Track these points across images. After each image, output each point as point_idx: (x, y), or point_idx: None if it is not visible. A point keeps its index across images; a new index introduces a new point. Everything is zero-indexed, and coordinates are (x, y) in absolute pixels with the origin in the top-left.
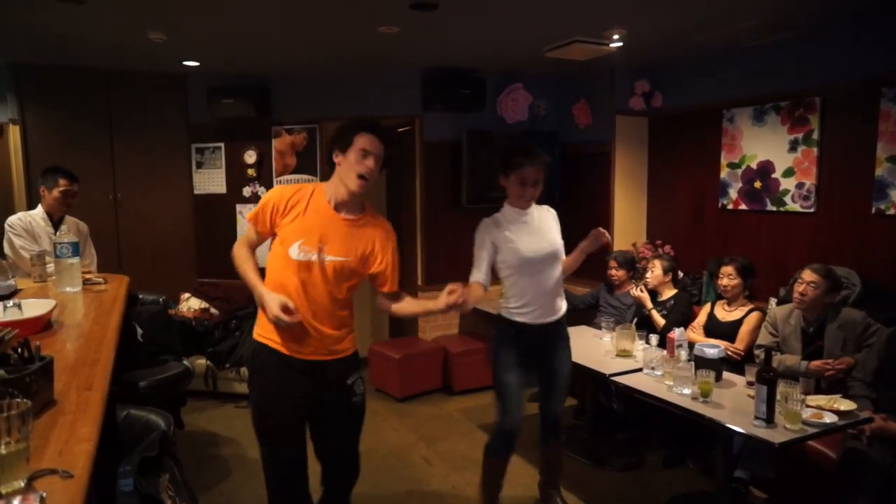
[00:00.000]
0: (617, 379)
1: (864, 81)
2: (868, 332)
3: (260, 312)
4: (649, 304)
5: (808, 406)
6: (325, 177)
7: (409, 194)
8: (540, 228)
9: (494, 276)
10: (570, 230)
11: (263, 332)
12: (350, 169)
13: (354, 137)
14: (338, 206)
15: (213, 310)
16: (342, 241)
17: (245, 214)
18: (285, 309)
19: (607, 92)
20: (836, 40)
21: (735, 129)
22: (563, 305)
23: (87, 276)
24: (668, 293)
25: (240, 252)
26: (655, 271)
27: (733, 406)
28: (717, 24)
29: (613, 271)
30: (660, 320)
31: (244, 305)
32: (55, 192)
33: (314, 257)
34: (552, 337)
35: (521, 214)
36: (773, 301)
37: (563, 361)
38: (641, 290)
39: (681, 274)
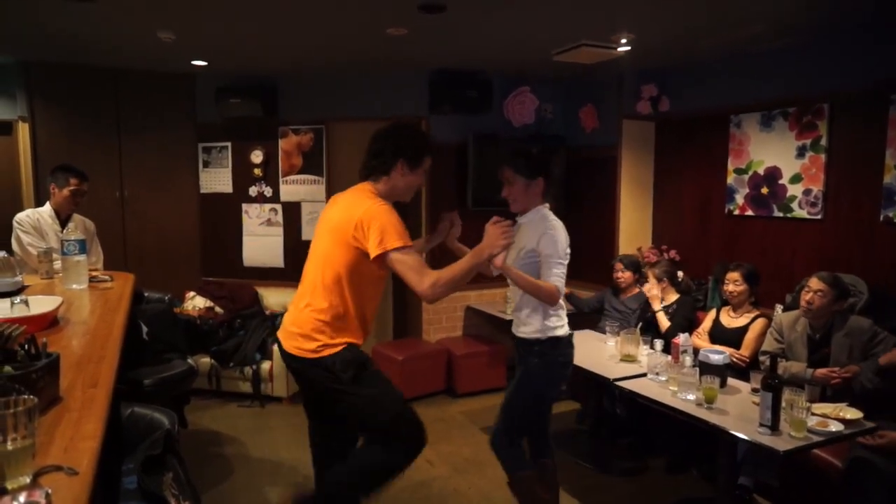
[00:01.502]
0: (621, 384)
1: (872, 88)
2: (875, 340)
3: (327, 325)
4: (658, 305)
5: (813, 414)
6: (331, 177)
7: (413, 196)
8: (516, 240)
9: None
10: (575, 234)
11: (342, 337)
12: (413, 185)
13: (426, 158)
14: None
15: (217, 309)
16: None
17: (251, 213)
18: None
19: (614, 96)
20: (846, 46)
21: (742, 135)
22: (529, 323)
23: (94, 273)
24: (671, 298)
25: (441, 270)
26: (650, 281)
27: (738, 413)
28: (725, 29)
29: (619, 273)
30: (665, 321)
31: (249, 305)
32: (65, 191)
33: None
34: (520, 354)
35: (519, 218)
36: (778, 308)
37: (512, 383)
38: (652, 289)
39: (681, 275)
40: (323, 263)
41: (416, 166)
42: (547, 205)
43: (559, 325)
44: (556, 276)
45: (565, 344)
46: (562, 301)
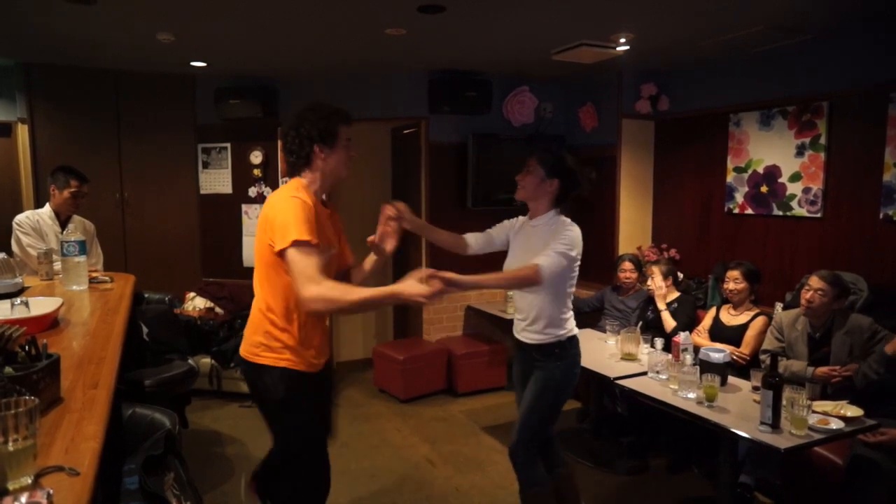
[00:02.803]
0: (621, 382)
1: (872, 86)
2: (875, 338)
3: (266, 332)
4: (662, 304)
5: (814, 412)
6: None
7: (414, 196)
8: (528, 243)
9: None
10: None
11: (283, 354)
12: (342, 162)
13: (340, 131)
14: (321, 201)
15: (217, 309)
16: (332, 233)
17: (251, 214)
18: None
19: (614, 95)
20: (845, 45)
21: (742, 134)
22: (546, 328)
23: (94, 274)
24: (671, 296)
25: (335, 287)
26: (656, 278)
27: (738, 411)
28: (725, 29)
29: (629, 273)
30: (670, 321)
31: (249, 305)
32: (66, 193)
33: (327, 257)
34: (529, 360)
35: (529, 221)
36: (778, 306)
37: (529, 392)
38: (661, 287)
39: (680, 276)
40: (257, 265)
41: (334, 143)
42: (558, 210)
43: (573, 325)
44: (546, 257)
45: (577, 342)
46: (568, 302)
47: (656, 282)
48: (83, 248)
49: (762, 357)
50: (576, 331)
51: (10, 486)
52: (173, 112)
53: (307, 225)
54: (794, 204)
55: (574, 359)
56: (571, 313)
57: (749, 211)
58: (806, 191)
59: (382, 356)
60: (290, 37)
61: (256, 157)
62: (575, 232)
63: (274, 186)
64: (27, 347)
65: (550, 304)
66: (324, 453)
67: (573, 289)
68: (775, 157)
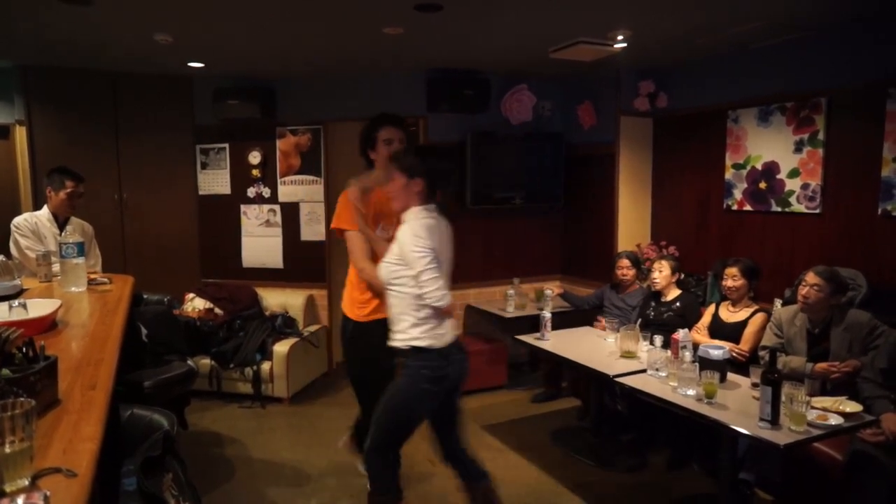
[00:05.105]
0: (621, 380)
1: (870, 82)
2: (874, 333)
3: None
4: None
5: (813, 408)
6: (329, 177)
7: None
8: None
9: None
10: (574, 231)
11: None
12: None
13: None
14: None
15: (217, 310)
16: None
17: (250, 214)
18: None
19: (612, 93)
20: (843, 41)
21: (740, 130)
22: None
23: (93, 276)
24: (673, 293)
25: None
26: (664, 272)
27: (738, 407)
28: (723, 26)
29: (625, 270)
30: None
31: (248, 306)
32: (61, 194)
33: None
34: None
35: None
36: (777, 302)
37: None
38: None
39: (681, 275)
40: None
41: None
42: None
43: (423, 332)
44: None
45: (427, 356)
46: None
47: (664, 272)
48: (81, 249)
49: (761, 353)
50: (430, 342)
51: (7, 489)
52: (171, 113)
53: None
54: (792, 200)
55: (417, 370)
56: (431, 321)
57: (748, 207)
58: (804, 187)
59: None
60: (288, 37)
61: (255, 158)
62: (420, 223)
63: (273, 186)
64: (25, 349)
65: (407, 308)
66: None
67: (430, 288)
68: (774, 153)
